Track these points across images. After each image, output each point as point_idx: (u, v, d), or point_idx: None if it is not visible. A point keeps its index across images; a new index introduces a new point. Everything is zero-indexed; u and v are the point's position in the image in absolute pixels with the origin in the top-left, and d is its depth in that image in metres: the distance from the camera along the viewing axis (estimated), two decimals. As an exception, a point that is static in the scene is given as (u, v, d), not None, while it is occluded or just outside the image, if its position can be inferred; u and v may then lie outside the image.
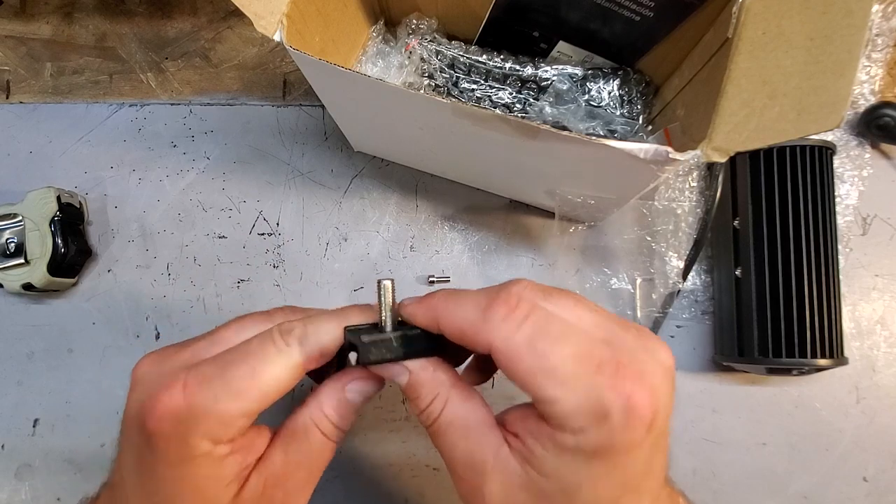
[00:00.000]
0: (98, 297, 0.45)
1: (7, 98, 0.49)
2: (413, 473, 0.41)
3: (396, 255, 0.45)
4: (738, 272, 0.40)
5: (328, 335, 0.23)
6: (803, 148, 0.39)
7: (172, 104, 0.49)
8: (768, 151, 0.39)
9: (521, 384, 0.20)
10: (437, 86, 0.44)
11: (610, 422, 0.19)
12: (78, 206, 0.45)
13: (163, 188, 0.47)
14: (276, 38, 0.29)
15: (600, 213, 0.41)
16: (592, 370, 0.19)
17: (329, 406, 0.24)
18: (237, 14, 0.50)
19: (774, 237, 0.38)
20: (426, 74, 0.44)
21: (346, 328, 0.23)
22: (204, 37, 0.50)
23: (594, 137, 0.28)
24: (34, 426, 0.43)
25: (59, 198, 0.43)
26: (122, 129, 0.48)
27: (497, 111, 0.29)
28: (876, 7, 0.44)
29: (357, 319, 0.24)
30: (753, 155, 0.40)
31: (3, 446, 0.43)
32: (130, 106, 0.49)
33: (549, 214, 0.45)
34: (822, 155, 0.39)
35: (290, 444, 0.23)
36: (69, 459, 0.42)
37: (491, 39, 0.43)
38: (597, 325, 0.21)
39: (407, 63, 0.43)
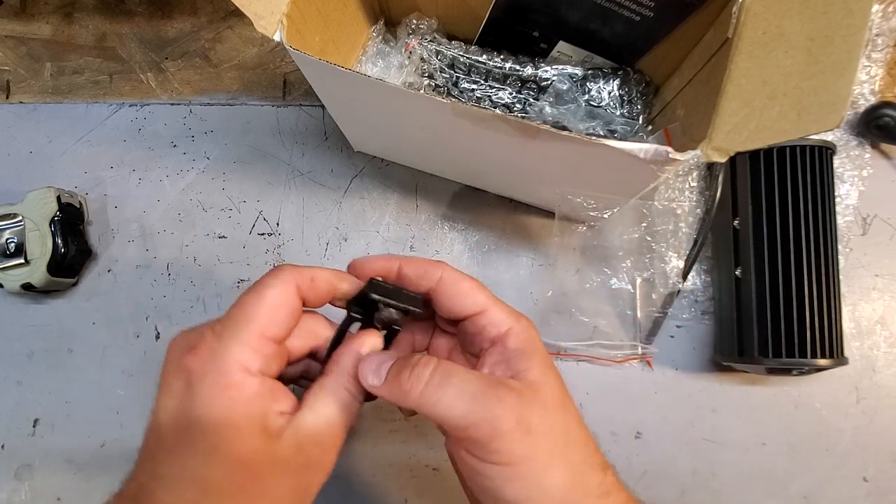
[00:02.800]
0: (98, 297, 0.45)
1: (7, 98, 0.49)
2: (413, 473, 0.41)
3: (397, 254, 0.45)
4: (738, 272, 0.40)
5: (318, 271, 0.27)
6: (803, 148, 0.39)
7: (172, 104, 0.49)
8: (768, 151, 0.39)
9: (470, 307, 0.27)
10: (437, 86, 0.44)
11: (521, 322, 0.27)
12: (78, 206, 0.45)
13: (163, 188, 0.47)
14: (276, 38, 0.29)
15: (600, 213, 0.41)
16: (502, 304, 0.28)
17: (347, 360, 0.26)
18: (237, 14, 0.50)
19: (774, 237, 0.38)
20: (426, 74, 0.44)
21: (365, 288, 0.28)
22: (204, 37, 0.50)
23: (594, 137, 0.28)
24: (34, 426, 0.43)
25: (59, 198, 0.43)
26: (122, 129, 0.48)
27: (497, 111, 0.29)
28: (876, 7, 0.44)
29: (348, 281, 0.28)
30: (753, 155, 0.40)
31: (3, 446, 0.43)
32: (130, 106, 0.49)
33: (549, 214, 0.45)
34: (822, 155, 0.39)
35: (323, 389, 0.25)
36: (69, 459, 0.42)
37: (491, 39, 0.43)
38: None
39: (407, 63, 0.43)
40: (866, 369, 0.42)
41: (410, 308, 0.28)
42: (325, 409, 0.24)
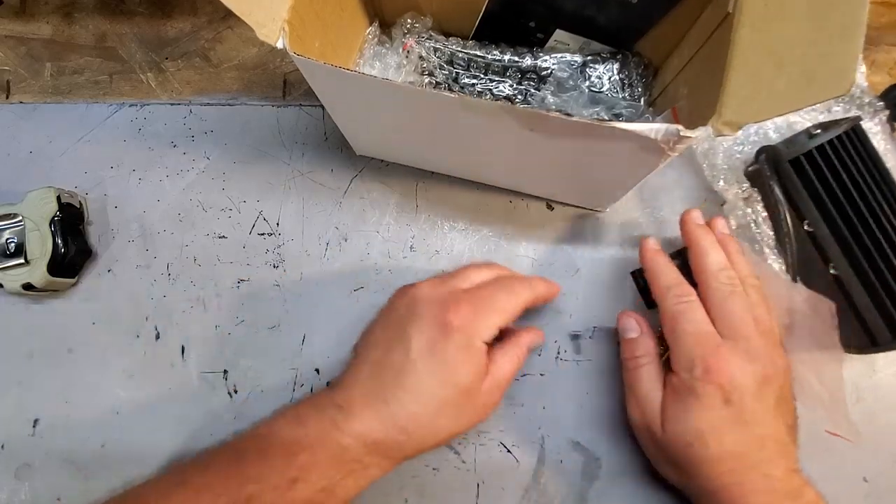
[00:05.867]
0: (98, 297, 0.45)
1: (7, 98, 0.49)
2: (413, 473, 0.41)
3: (396, 255, 0.45)
4: (832, 270, 0.39)
5: (543, 288, 0.38)
6: (839, 137, 0.39)
7: (172, 104, 0.49)
8: (807, 154, 0.39)
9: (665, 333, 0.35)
10: (437, 83, 0.44)
11: (693, 372, 0.33)
12: (78, 206, 0.45)
13: (163, 188, 0.47)
14: (279, 45, 0.29)
15: (607, 197, 0.41)
16: (696, 343, 0.33)
17: (525, 339, 0.38)
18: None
19: (853, 226, 0.38)
20: (426, 73, 0.44)
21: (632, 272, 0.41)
22: (204, 37, 0.50)
23: (605, 121, 0.28)
24: (34, 426, 0.43)
25: (59, 198, 0.43)
26: (122, 129, 0.48)
27: (502, 103, 0.29)
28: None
29: (543, 287, 0.38)
30: (794, 161, 0.40)
31: (2, 446, 0.43)
32: (130, 106, 0.49)
33: (550, 214, 0.45)
34: (857, 132, 0.39)
35: (508, 353, 0.36)
36: (69, 459, 0.42)
37: (487, 33, 0.43)
38: (728, 321, 0.34)
39: (405, 63, 0.43)
40: (866, 369, 0.42)
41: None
42: (506, 365, 0.35)
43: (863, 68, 0.46)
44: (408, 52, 0.43)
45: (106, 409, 0.43)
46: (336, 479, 0.31)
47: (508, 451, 0.41)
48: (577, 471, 0.40)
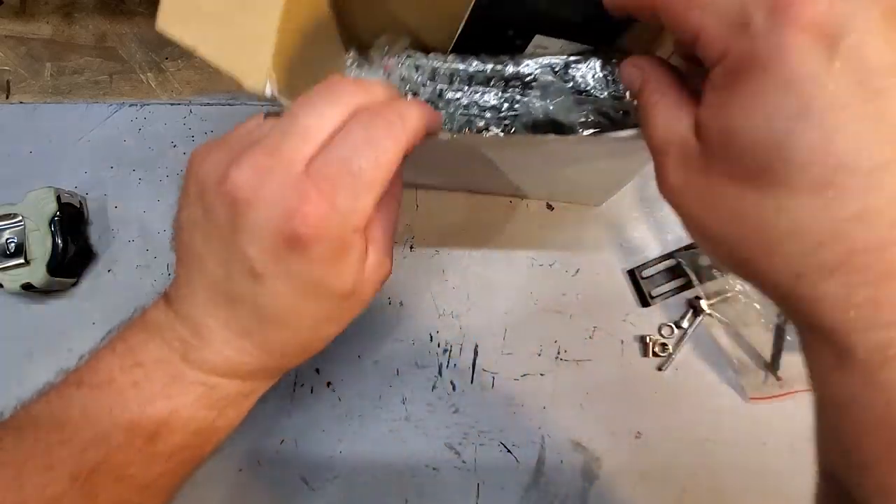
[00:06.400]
0: (98, 297, 0.45)
1: (7, 98, 0.49)
2: (413, 473, 0.41)
3: (396, 255, 0.45)
4: None
5: (421, 123, 0.24)
6: None
7: (172, 104, 0.49)
8: None
9: (670, 23, 0.19)
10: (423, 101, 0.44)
11: (751, 28, 0.16)
12: (78, 206, 0.45)
13: (163, 188, 0.47)
14: (268, 93, 0.28)
15: (604, 194, 0.41)
16: None
17: (395, 189, 0.27)
18: (237, 14, 0.50)
19: None
20: (409, 91, 0.43)
21: None
22: (204, 37, 0.50)
23: (603, 134, 0.28)
24: (34, 426, 0.43)
25: (59, 198, 0.43)
26: (122, 129, 0.48)
27: (499, 133, 0.29)
28: None
29: (419, 120, 0.24)
30: None
31: (3, 446, 0.43)
32: (130, 106, 0.49)
33: (550, 214, 0.45)
34: None
35: (385, 211, 0.26)
36: (69, 459, 0.42)
37: (467, 45, 0.43)
38: None
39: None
40: (866, 369, 0.42)
41: None
42: (388, 231, 0.27)
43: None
44: (388, 73, 0.43)
45: (106, 409, 0.43)
46: (211, 418, 0.26)
47: (508, 451, 0.41)
48: (577, 471, 0.40)
